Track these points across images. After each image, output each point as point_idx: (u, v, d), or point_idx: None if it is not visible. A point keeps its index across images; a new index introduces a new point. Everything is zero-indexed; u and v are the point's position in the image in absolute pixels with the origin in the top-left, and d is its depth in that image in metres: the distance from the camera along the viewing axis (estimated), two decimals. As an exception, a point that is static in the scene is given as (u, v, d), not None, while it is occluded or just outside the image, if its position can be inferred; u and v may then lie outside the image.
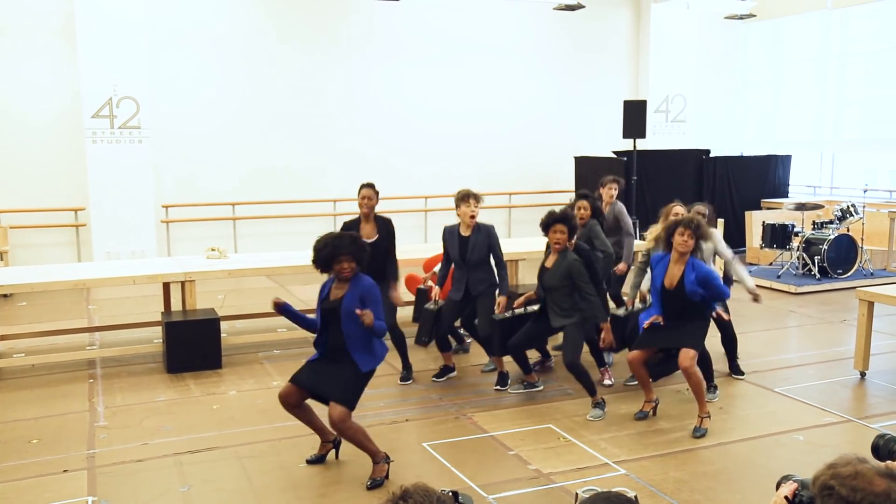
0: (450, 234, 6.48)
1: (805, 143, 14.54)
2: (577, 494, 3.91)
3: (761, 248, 11.37)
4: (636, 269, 6.66)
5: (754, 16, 13.96)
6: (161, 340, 7.22)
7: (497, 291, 6.35)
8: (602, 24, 14.54)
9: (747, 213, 12.50)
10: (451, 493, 2.14)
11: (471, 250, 6.28)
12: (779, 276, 10.59)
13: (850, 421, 5.73)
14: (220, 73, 12.06)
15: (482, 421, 5.73)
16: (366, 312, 4.58)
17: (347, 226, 6.56)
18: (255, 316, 8.54)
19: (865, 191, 12.53)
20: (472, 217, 6.28)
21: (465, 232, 6.36)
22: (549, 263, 5.88)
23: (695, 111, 14.93)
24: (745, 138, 15.38)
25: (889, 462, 2.31)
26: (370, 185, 6.64)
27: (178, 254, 10.97)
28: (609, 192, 7.61)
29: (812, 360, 7.16)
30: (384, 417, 5.84)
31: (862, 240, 10.77)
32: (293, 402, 4.88)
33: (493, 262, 6.37)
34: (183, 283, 7.26)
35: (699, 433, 5.40)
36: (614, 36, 14.76)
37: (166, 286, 7.62)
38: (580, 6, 12.58)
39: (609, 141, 13.34)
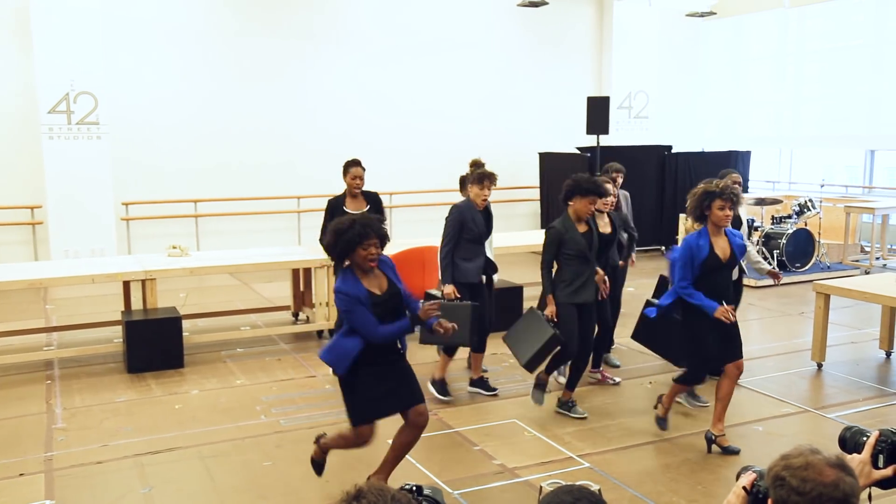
0: (469, 209, 5.97)
1: (764, 139, 14.76)
2: (541, 488, 3.94)
3: (722, 242, 11.50)
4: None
5: (714, 13, 14.12)
6: (121, 340, 7.11)
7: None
8: (565, 20, 14.62)
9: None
10: (414, 488, 2.14)
11: (491, 224, 6.11)
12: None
13: (808, 411, 5.83)
14: (181, 68, 11.90)
15: (447, 417, 5.73)
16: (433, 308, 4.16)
17: (333, 203, 6.36)
18: (218, 314, 8.47)
19: (822, 186, 12.78)
20: (485, 200, 5.96)
21: (479, 207, 6.02)
22: (582, 229, 5.44)
23: (657, 107, 15.08)
24: (707, 134, 15.57)
25: (851, 453, 2.35)
26: (358, 163, 6.45)
27: (138, 252, 10.82)
28: (618, 182, 7.22)
29: (771, 353, 7.27)
30: (349, 415, 5.80)
31: (819, 234, 10.96)
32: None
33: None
34: (143, 282, 7.15)
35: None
36: (577, 32, 14.85)
37: (126, 285, 7.50)
38: (544, 3, 12.63)
39: (573, 137, 13.42)
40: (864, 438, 2.30)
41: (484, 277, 6.14)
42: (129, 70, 11.52)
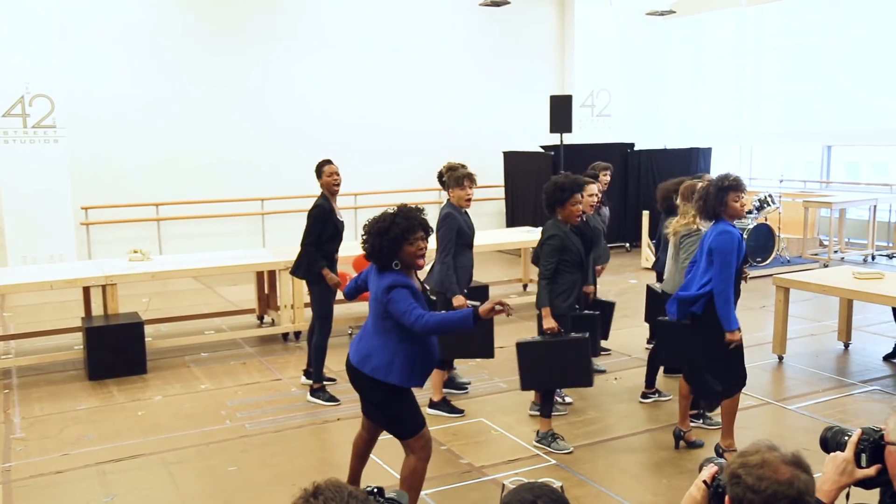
0: (460, 213, 5.71)
1: (724, 136, 14.95)
2: (503, 486, 3.95)
3: (685, 238, 11.65)
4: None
5: (674, 12, 14.29)
6: (82, 347, 6.99)
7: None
8: (527, 19, 14.68)
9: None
10: (375, 490, 2.13)
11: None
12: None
13: (770, 403, 5.92)
14: (140, 69, 11.72)
15: (414, 417, 5.71)
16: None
17: (324, 208, 6.05)
18: (182, 319, 8.36)
19: (781, 181, 12.97)
20: (469, 200, 5.75)
21: (466, 208, 5.81)
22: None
23: (619, 106, 15.20)
24: (668, 132, 15.73)
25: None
26: (331, 161, 6.25)
27: (99, 257, 10.64)
28: (605, 180, 7.10)
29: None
30: (315, 417, 5.78)
31: (779, 228, 11.14)
32: None
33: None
34: (104, 287, 7.04)
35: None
36: (539, 31, 14.92)
37: (86, 291, 7.38)
38: (505, 2, 12.67)
39: (536, 135, 13.47)
40: (846, 438, 2.31)
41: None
42: (87, 72, 11.33)
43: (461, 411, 5.76)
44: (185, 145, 12.02)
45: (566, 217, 5.12)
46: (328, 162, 6.25)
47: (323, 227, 6.06)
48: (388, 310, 3.69)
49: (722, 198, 4.67)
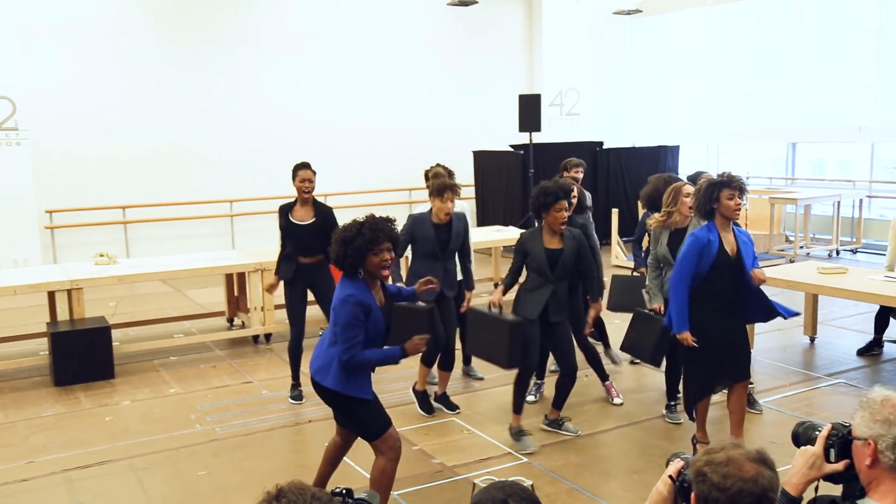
0: (421, 222, 5.66)
1: (692, 134, 15.10)
2: (474, 485, 3.95)
3: (654, 235, 11.76)
4: (653, 266, 5.62)
5: (640, 11, 14.40)
6: (47, 352, 6.88)
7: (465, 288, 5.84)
8: (496, 19, 14.71)
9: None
10: (344, 491, 2.12)
11: (454, 239, 5.69)
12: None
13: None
14: (104, 71, 11.56)
15: (386, 418, 5.70)
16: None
17: (281, 207, 6.12)
18: (150, 322, 8.27)
19: (748, 178, 13.10)
20: (448, 214, 5.65)
21: (441, 220, 5.66)
22: (552, 244, 5.06)
23: (588, 104, 15.29)
24: (637, 130, 15.86)
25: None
26: (307, 165, 6.12)
27: (64, 261, 10.47)
28: (576, 176, 7.00)
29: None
30: (286, 420, 5.74)
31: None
32: None
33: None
34: (70, 292, 6.93)
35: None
36: (508, 31, 14.96)
37: (51, 295, 7.26)
38: (474, 1, 12.68)
39: (506, 135, 13.50)
40: (816, 433, 2.34)
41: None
42: (50, 73, 11.15)
43: (431, 411, 5.77)
44: (152, 147, 11.87)
45: (550, 223, 5.03)
46: (303, 166, 6.13)
47: (284, 232, 6.12)
48: (340, 322, 3.77)
49: (713, 193, 4.54)
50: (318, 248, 5.96)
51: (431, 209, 5.68)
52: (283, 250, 6.12)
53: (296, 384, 6.14)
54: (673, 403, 5.58)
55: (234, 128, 12.46)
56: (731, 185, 4.53)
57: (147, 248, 11.34)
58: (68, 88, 11.32)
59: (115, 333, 7.08)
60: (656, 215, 5.63)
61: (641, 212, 7.06)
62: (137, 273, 7.43)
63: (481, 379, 6.48)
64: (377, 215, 3.86)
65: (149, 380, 6.73)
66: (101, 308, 8.09)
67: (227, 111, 12.40)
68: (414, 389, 5.90)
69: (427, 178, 6.41)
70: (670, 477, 2.17)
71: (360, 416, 3.94)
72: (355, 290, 3.75)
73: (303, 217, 6.12)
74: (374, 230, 3.70)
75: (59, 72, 11.25)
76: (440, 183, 5.67)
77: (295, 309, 6.07)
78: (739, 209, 4.59)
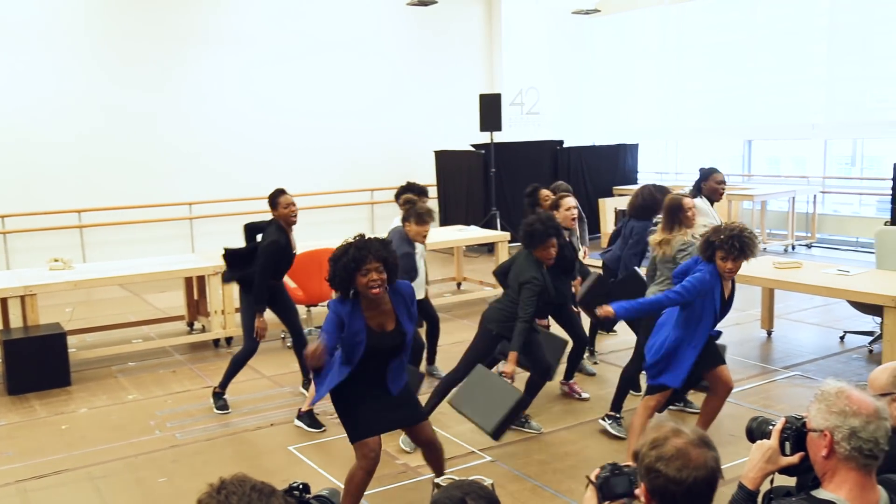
0: (403, 236, 5.80)
1: (651, 132, 15.27)
2: (435, 485, 3.95)
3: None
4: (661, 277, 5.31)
5: (599, 11, 14.51)
6: (0, 360, 6.73)
7: None
8: (455, 18, 14.73)
9: (600, 201, 13.00)
10: (301, 486, 2.12)
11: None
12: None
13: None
14: (58, 72, 11.34)
15: (349, 420, 5.67)
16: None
17: (280, 244, 5.77)
18: (107, 328, 8.14)
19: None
20: (425, 237, 5.84)
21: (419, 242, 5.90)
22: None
23: (548, 103, 15.38)
24: (596, 128, 15.98)
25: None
26: (285, 191, 6.04)
27: (17, 266, 10.24)
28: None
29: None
30: (248, 423, 5.69)
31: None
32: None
33: None
34: (23, 298, 6.79)
35: None
36: (468, 31, 14.99)
37: (3, 302, 7.11)
38: (433, 1, 12.68)
39: (467, 134, 13.53)
40: (770, 427, 2.38)
41: None
42: (1, 75, 10.91)
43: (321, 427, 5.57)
44: (109, 150, 11.67)
45: (541, 258, 4.99)
46: (283, 192, 5.96)
47: (276, 264, 5.83)
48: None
49: (711, 253, 4.36)
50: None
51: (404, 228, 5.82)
52: (254, 272, 5.71)
53: (220, 393, 5.97)
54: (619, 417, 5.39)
55: (193, 129, 12.30)
56: (722, 247, 4.28)
57: (104, 253, 11.14)
58: (20, 90, 11.08)
59: (71, 340, 6.95)
60: (658, 236, 5.29)
61: (611, 219, 7.13)
62: (94, 278, 7.29)
63: None
64: (368, 236, 3.81)
65: (106, 386, 6.61)
66: (57, 314, 7.94)
67: (185, 113, 12.24)
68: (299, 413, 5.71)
69: (397, 199, 6.37)
70: (588, 478, 2.20)
71: (341, 416, 3.97)
72: (336, 301, 3.79)
73: (293, 244, 6.01)
74: (361, 249, 3.66)
75: (10, 73, 11.01)
76: (420, 209, 5.78)
77: (251, 325, 5.77)
78: (733, 272, 4.40)
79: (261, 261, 5.69)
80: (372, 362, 3.81)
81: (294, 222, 5.92)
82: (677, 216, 5.16)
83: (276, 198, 5.93)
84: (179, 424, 5.69)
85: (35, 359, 6.47)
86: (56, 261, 7.55)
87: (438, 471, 4.24)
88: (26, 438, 5.50)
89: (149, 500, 4.55)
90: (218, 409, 5.91)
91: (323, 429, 5.53)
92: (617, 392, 5.35)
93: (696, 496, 1.96)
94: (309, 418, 5.59)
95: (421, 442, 4.18)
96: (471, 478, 2.17)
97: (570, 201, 6.01)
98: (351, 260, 3.64)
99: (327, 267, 3.77)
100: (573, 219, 5.98)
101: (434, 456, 4.21)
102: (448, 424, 5.52)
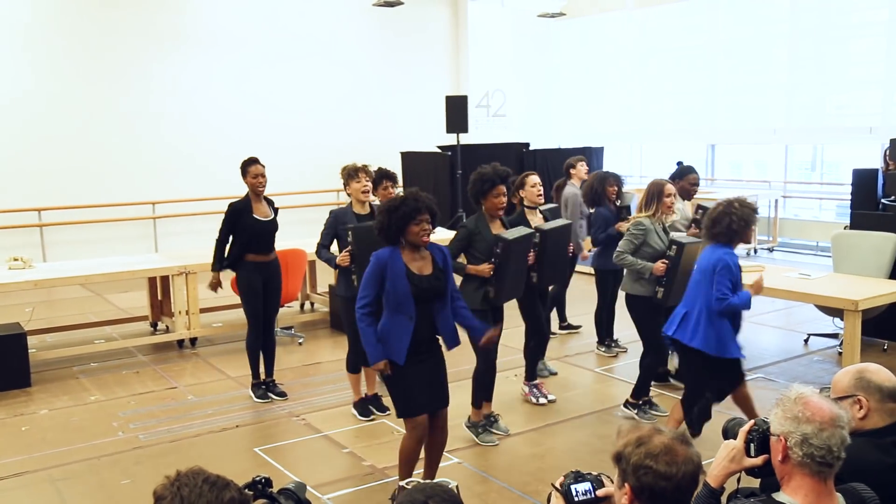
0: (344, 213, 5.77)
1: (616, 135, 15.40)
2: (398, 487, 3.95)
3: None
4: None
5: (564, 14, 14.60)
6: (-42, 361, 6.58)
7: None
8: (421, 20, 14.73)
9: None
10: (263, 479, 2.12)
11: None
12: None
13: (663, 394, 6.12)
14: (19, 68, 11.12)
15: (315, 421, 5.65)
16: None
17: (238, 207, 5.94)
18: (69, 328, 8.00)
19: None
20: (366, 193, 5.78)
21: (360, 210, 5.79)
22: (497, 229, 5.16)
23: (514, 106, 15.45)
24: (562, 131, 16.08)
25: None
26: (257, 160, 6.07)
27: (-24, 265, 10.04)
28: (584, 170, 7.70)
29: (630, 340, 7.55)
30: (213, 425, 5.63)
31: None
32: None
33: None
34: (-19, 298, 6.66)
35: None
36: (434, 32, 15.00)
37: (-38, 301, 6.97)
38: (399, 2, 12.66)
39: (433, 136, 13.53)
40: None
41: None
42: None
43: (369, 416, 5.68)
44: (70, 148, 11.47)
45: (489, 209, 5.16)
46: (254, 161, 6.06)
47: (233, 227, 5.95)
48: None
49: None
50: (272, 245, 6.08)
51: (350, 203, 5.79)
52: (232, 247, 5.96)
53: (257, 383, 6.11)
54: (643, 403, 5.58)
55: (155, 128, 12.15)
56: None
57: (65, 252, 10.94)
58: (-22, 85, 10.85)
59: (31, 340, 6.83)
60: (640, 215, 5.57)
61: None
62: (55, 277, 7.16)
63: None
64: (417, 190, 4.13)
65: (68, 387, 6.50)
66: (16, 314, 7.80)
67: (148, 112, 12.08)
68: (354, 404, 5.77)
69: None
70: (553, 485, 2.23)
71: (391, 389, 4.18)
72: (382, 251, 4.05)
73: (264, 213, 6.05)
74: (417, 201, 3.98)
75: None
76: (350, 166, 5.81)
77: (255, 307, 5.98)
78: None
79: (224, 226, 5.96)
80: (421, 309, 4.02)
81: (260, 192, 6.03)
82: (654, 199, 5.50)
83: (246, 166, 6.07)
84: (143, 426, 5.62)
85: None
86: (16, 259, 7.41)
87: (435, 460, 4.33)
88: (-15, 441, 5.39)
89: (111, 502, 4.48)
90: (258, 398, 6.06)
91: (371, 417, 5.65)
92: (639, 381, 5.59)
93: (684, 491, 2.01)
94: (362, 406, 5.70)
95: (435, 425, 4.23)
96: (435, 480, 2.18)
97: (535, 178, 6.04)
98: (411, 210, 3.95)
99: (378, 218, 4.05)
100: (539, 195, 6.01)
101: (439, 441, 4.30)
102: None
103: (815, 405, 2.18)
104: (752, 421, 2.37)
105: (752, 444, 2.33)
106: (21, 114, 11.14)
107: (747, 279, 5.27)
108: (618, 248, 5.52)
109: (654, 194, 5.51)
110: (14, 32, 11.10)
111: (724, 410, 4.74)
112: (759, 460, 2.32)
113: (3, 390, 6.33)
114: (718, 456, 2.39)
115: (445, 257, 4.22)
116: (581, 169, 7.74)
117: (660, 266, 5.30)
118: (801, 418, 2.16)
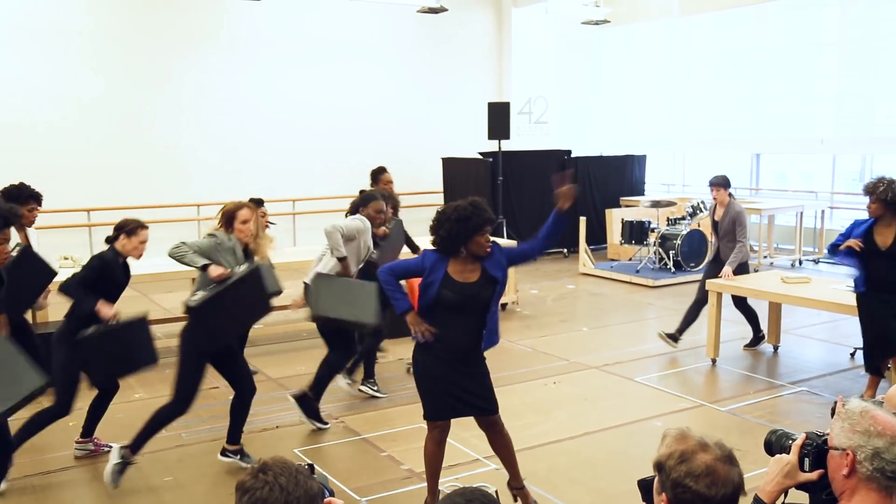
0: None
1: (658, 143, 15.28)
2: (439, 491, 3.96)
3: (621, 244, 11.89)
4: None
5: (609, 21, 14.53)
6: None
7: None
8: (465, 27, 14.78)
9: (607, 211, 13.00)
10: (308, 466, 2.15)
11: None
12: (637, 271, 11.08)
13: (703, 405, 6.06)
14: (73, 71, 11.40)
15: (354, 424, 5.69)
16: None
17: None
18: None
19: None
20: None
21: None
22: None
23: (556, 113, 15.41)
24: (604, 139, 16.01)
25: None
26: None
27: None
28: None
29: (668, 350, 7.51)
30: (254, 426, 5.68)
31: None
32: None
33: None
34: (32, 295, 6.79)
35: None
36: (477, 39, 15.04)
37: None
38: (443, 9, 12.72)
39: (475, 142, 13.56)
40: (790, 442, 2.34)
41: None
42: (13, 76, 10.97)
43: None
44: (119, 150, 11.74)
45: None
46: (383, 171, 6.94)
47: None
48: None
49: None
50: None
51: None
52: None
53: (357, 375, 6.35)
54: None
55: (202, 131, 12.37)
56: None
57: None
58: (33, 90, 11.15)
59: (78, 338, 6.95)
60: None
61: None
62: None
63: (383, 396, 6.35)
64: (477, 199, 4.12)
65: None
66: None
67: (195, 115, 12.32)
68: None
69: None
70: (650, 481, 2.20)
71: (420, 390, 4.22)
72: (433, 252, 4.07)
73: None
74: (485, 212, 4.02)
75: (25, 72, 11.08)
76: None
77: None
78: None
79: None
80: (459, 318, 4.01)
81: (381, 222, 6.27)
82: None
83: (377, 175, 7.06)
84: (185, 424, 5.68)
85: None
86: (66, 258, 7.59)
87: (510, 464, 4.35)
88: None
89: (154, 499, 4.56)
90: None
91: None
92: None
93: None
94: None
95: (488, 431, 4.35)
96: (474, 485, 2.18)
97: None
98: (480, 222, 3.95)
99: (444, 225, 3.99)
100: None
101: (499, 444, 4.35)
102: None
103: (885, 419, 2.14)
104: (805, 434, 2.32)
105: (806, 459, 2.27)
106: (74, 119, 11.43)
107: (793, 290, 5.16)
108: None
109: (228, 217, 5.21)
110: (69, 39, 11.38)
111: (766, 423, 4.67)
112: (814, 475, 2.26)
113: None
114: (770, 471, 2.34)
115: (499, 260, 4.11)
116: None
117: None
118: (873, 432, 2.11)
